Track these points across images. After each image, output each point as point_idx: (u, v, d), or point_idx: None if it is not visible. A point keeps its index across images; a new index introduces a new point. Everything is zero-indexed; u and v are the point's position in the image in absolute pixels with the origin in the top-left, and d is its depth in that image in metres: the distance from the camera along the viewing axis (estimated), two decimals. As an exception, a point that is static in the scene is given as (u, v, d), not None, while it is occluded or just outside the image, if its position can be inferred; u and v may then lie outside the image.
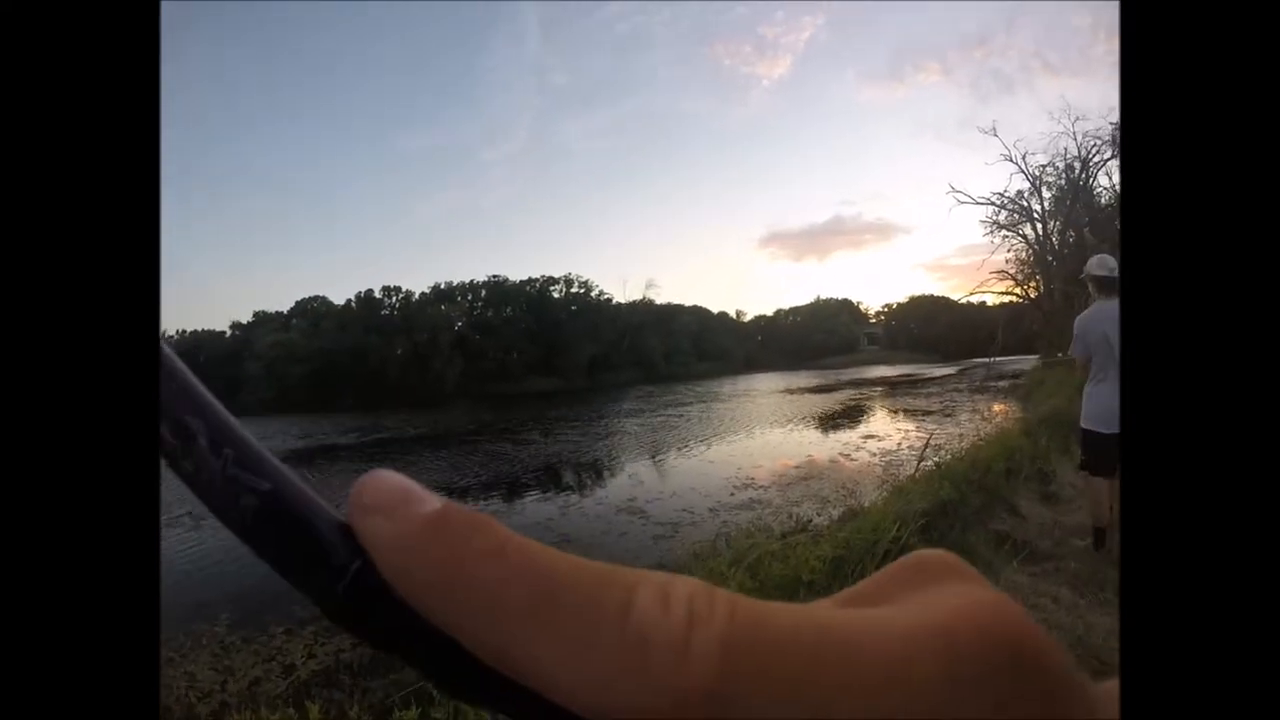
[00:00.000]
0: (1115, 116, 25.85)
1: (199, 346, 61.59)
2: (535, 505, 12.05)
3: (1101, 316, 4.48)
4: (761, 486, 12.06)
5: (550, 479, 14.84)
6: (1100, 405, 4.52)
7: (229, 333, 64.27)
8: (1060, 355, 20.68)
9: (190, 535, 10.99)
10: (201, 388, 0.23)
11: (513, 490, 13.64)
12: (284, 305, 67.24)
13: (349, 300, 65.43)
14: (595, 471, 15.65)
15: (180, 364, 0.23)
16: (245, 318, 65.79)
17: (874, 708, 0.17)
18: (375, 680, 4.98)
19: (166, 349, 0.24)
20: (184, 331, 66.29)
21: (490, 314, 67.13)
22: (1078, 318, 4.70)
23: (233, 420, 0.22)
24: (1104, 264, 4.56)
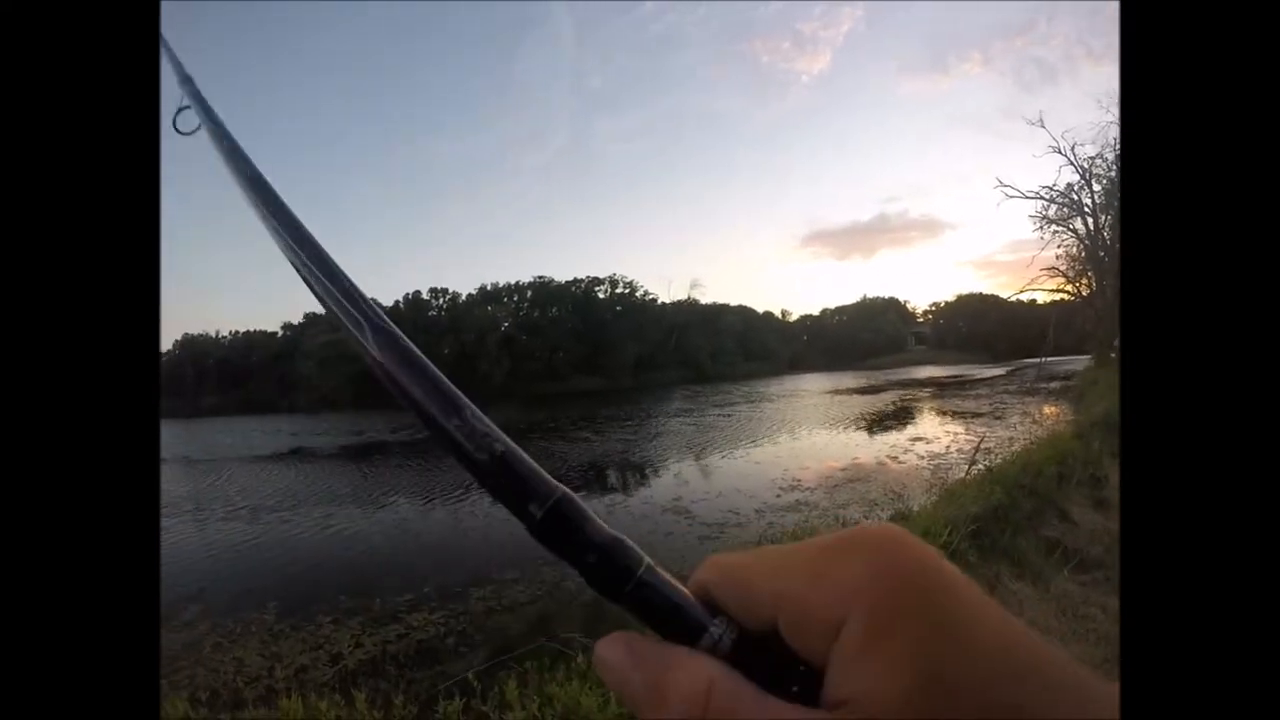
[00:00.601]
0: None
1: (252, 347, 63.07)
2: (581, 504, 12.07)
3: None
4: (808, 488, 11.97)
5: (597, 478, 14.94)
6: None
7: (280, 333, 65.66)
8: (1113, 355, 20.00)
9: (245, 528, 11.29)
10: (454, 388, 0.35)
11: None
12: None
13: (397, 301, 66.45)
14: (641, 471, 15.70)
15: (440, 374, 0.36)
16: (296, 319, 67.30)
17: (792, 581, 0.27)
18: (421, 671, 5.07)
19: (429, 365, 0.37)
20: (236, 332, 67.96)
21: (536, 314, 67.49)
22: None
23: (477, 409, 0.34)
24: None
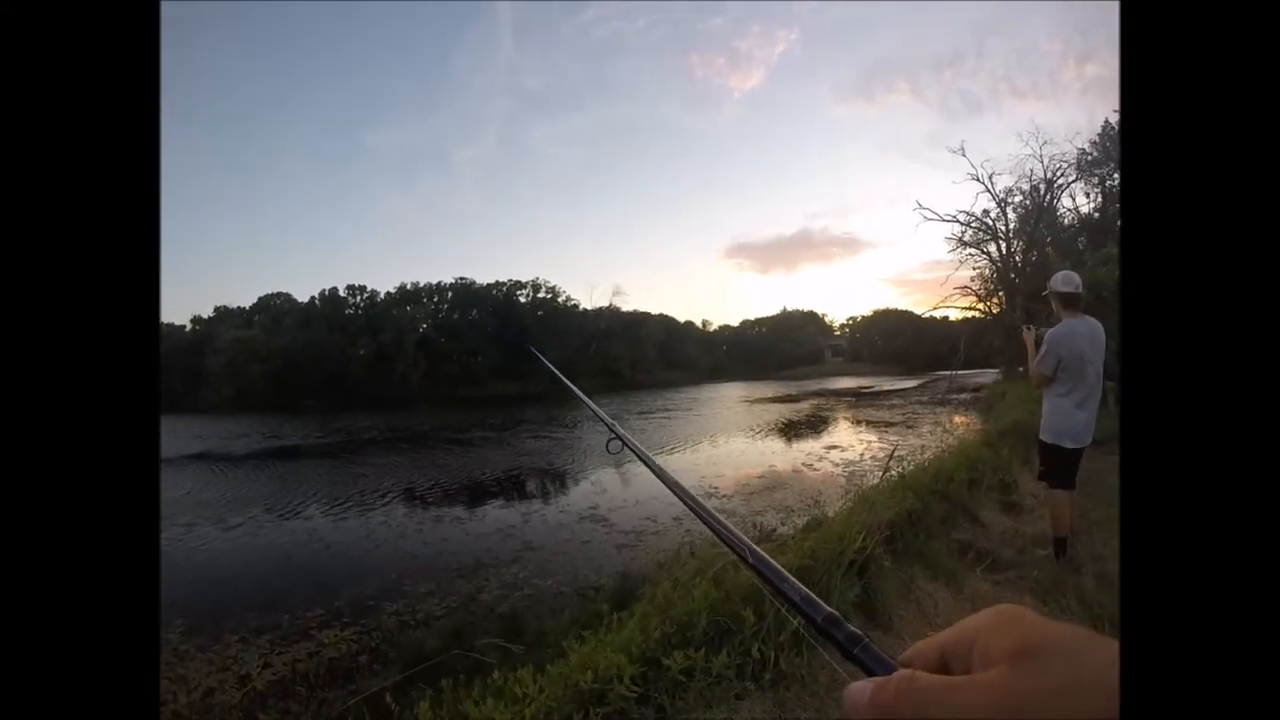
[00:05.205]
0: (1081, 141, 26.41)
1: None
2: (497, 512, 11.96)
3: (1076, 331, 4.44)
4: (725, 495, 12.10)
5: (513, 485, 14.73)
6: (1062, 420, 4.52)
7: (189, 326, 63.03)
8: (1020, 369, 20.95)
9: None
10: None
11: (475, 497, 13.52)
12: (247, 301, 66.30)
13: (313, 298, 64.61)
14: (558, 478, 15.56)
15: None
16: (206, 311, 64.76)
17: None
18: (332, 691, 4.88)
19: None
20: (141, 327, 64.90)
21: (456, 316, 66.66)
22: (1049, 331, 4.62)
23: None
24: (1069, 280, 4.54)
